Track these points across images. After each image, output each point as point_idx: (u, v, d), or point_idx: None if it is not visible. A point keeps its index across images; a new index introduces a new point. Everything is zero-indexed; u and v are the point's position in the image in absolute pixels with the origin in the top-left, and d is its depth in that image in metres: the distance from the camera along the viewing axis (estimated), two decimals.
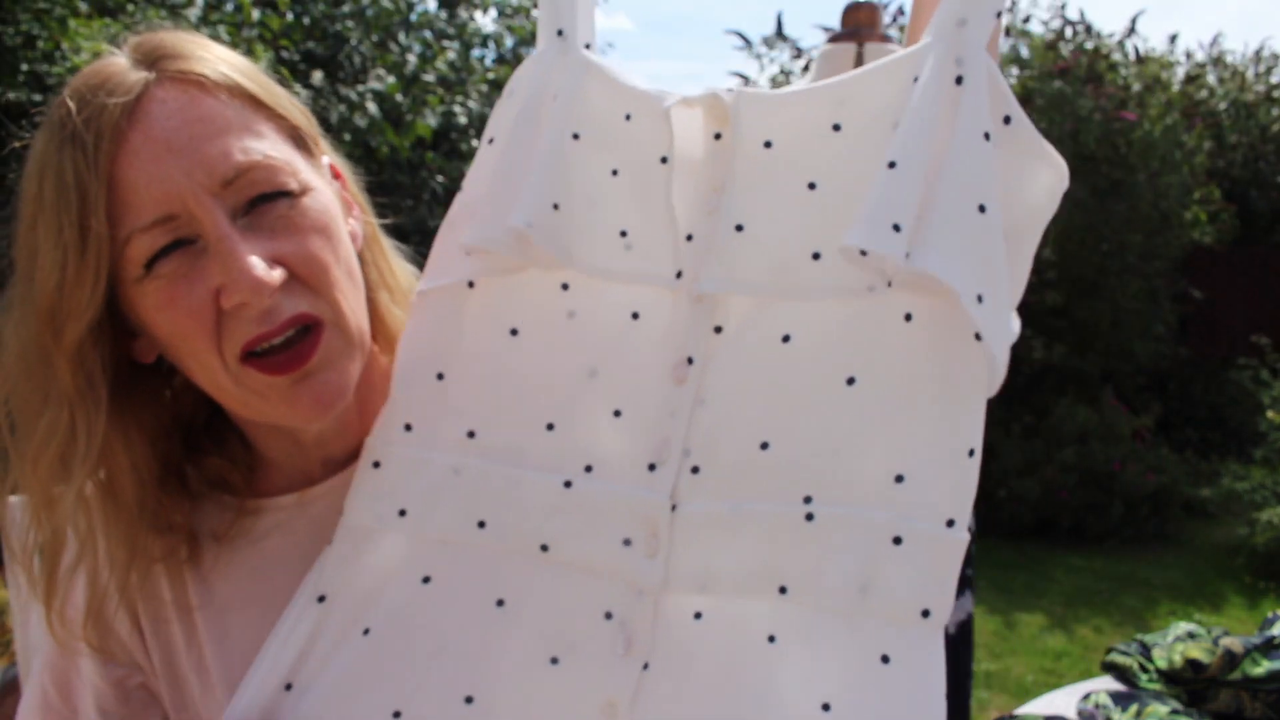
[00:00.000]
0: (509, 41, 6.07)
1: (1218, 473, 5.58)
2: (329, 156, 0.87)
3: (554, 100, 0.79)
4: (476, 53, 6.27)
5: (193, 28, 3.57)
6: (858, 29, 2.26)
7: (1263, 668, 1.42)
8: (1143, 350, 5.95)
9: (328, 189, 0.83)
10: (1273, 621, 1.54)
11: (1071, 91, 5.61)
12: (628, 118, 0.78)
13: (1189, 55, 7.41)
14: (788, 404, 0.74)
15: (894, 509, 0.70)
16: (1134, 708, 1.37)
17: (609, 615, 0.74)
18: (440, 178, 5.59)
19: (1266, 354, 5.88)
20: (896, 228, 0.67)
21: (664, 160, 0.77)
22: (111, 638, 0.88)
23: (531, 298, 0.80)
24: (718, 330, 0.76)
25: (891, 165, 0.68)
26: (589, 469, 0.77)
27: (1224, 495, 5.22)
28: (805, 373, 0.74)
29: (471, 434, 0.79)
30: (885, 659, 0.68)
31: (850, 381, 0.73)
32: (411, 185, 5.53)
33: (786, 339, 0.75)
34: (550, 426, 0.79)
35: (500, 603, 0.76)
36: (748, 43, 7.27)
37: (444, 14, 6.36)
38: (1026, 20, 6.63)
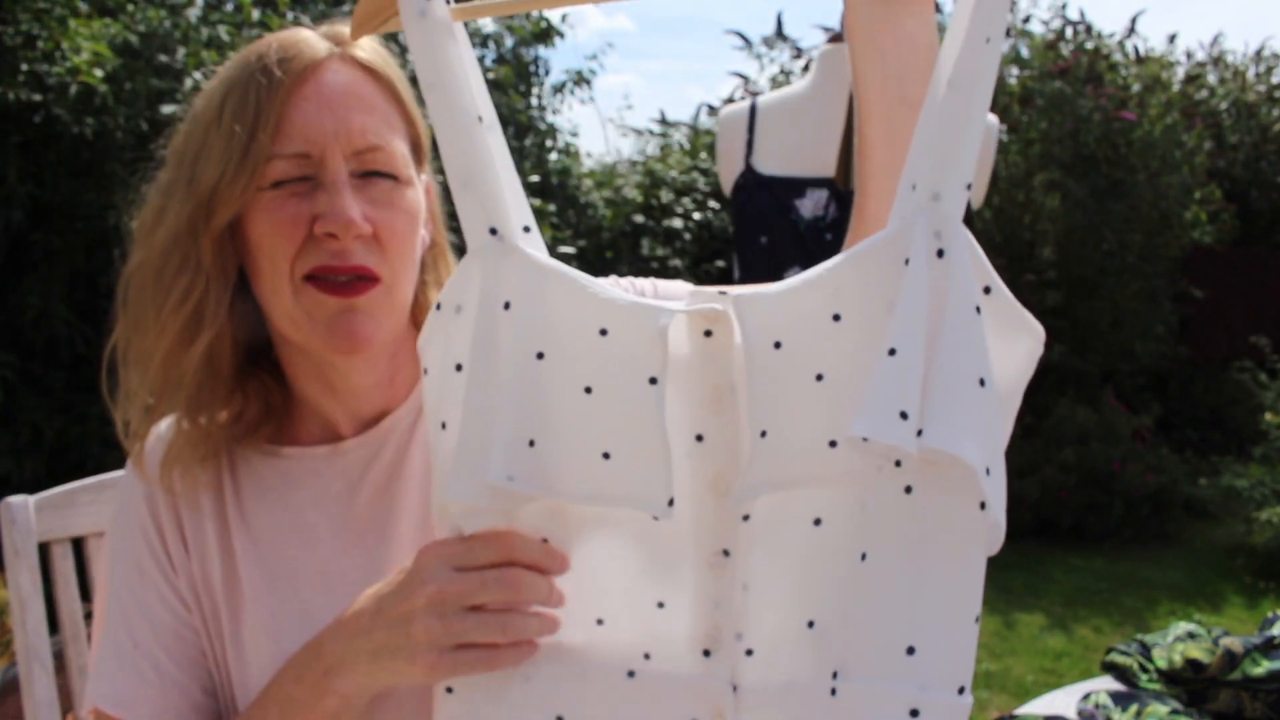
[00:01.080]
0: (509, 41, 6.07)
1: (1218, 472, 5.58)
2: (427, 176, 1.03)
3: (506, 310, 0.76)
4: (476, 53, 6.27)
5: (192, 28, 3.57)
6: None
7: (1263, 668, 1.42)
8: (1143, 350, 5.95)
9: (422, 194, 0.99)
10: (1273, 621, 1.54)
11: (1071, 91, 5.61)
12: (603, 332, 0.75)
13: (1189, 55, 7.41)
14: (822, 583, 0.77)
15: (909, 680, 0.73)
16: (1134, 708, 1.37)
17: None
18: (440, 178, 5.59)
19: (1266, 355, 5.88)
20: (904, 415, 0.68)
21: (653, 381, 0.74)
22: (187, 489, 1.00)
23: (553, 509, 0.80)
24: (745, 519, 0.78)
25: (892, 352, 0.70)
26: (647, 656, 0.79)
27: (1224, 495, 5.22)
28: (832, 551, 0.77)
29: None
30: None
31: (864, 557, 0.75)
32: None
33: (818, 522, 0.77)
34: (600, 622, 0.80)
35: None
36: (748, 43, 7.26)
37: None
38: (1026, 20, 6.63)
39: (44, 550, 1.39)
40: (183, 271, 0.92)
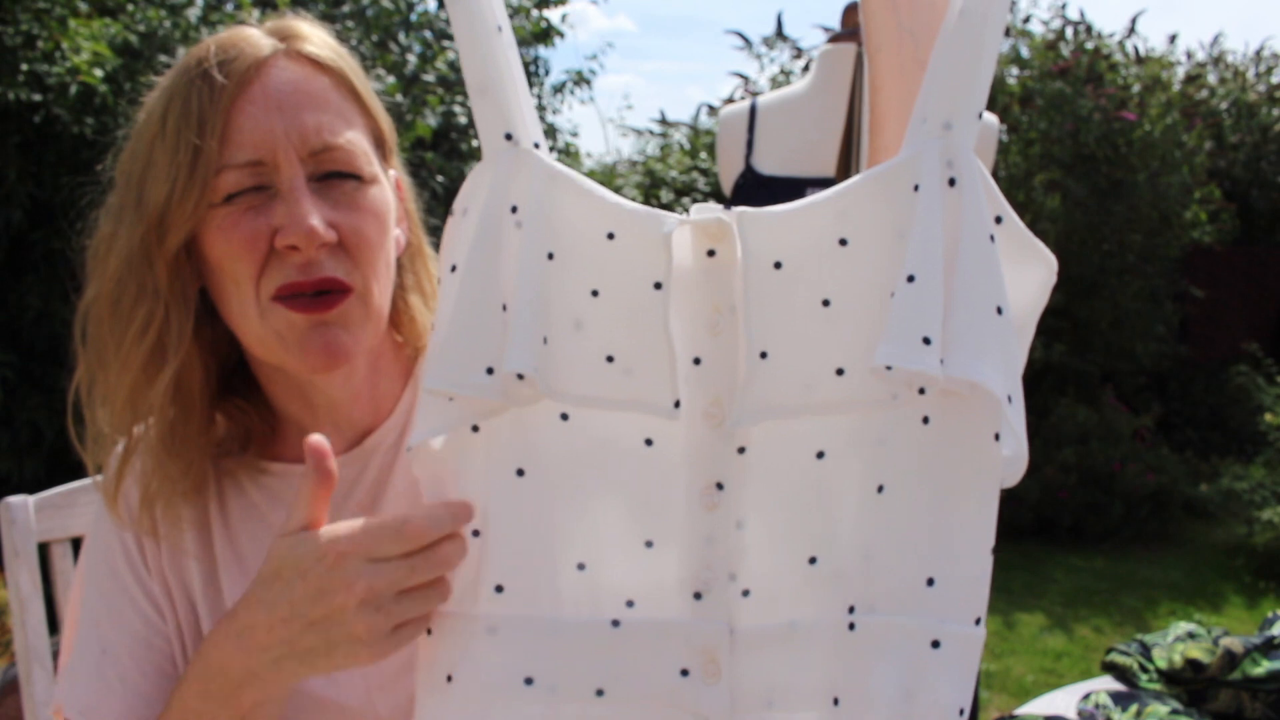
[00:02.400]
0: None
1: (1218, 473, 5.58)
2: (396, 171, 0.98)
3: (513, 214, 0.74)
4: None
5: (192, 27, 3.58)
6: (858, 29, 2.26)
7: (1263, 668, 1.42)
8: (1143, 350, 5.94)
9: (389, 192, 0.94)
10: (1273, 621, 1.54)
11: (1071, 91, 5.61)
12: (610, 236, 0.74)
13: (1189, 55, 7.41)
14: (827, 517, 0.75)
15: (929, 613, 0.71)
16: (1134, 708, 1.37)
17: None
18: (440, 178, 5.59)
19: (1261, 360, 5.88)
20: (926, 340, 0.67)
21: (658, 286, 0.73)
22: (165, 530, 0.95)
23: (533, 434, 0.76)
24: (741, 451, 0.75)
25: (910, 279, 0.68)
26: (630, 604, 0.76)
27: (1224, 495, 5.22)
28: (839, 485, 0.74)
29: (500, 588, 0.76)
30: None
31: (880, 489, 0.73)
32: (411, 185, 5.53)
33: (821, 455, 0.75)
34: (581, 566, 0.76)
35: None
36: (748, 43, 7.27)
37: (444, 14, 6.36)
38: (1026, 20, 6.63)
39: (44, 550, 1.39)
40: (140, 300, 0.87)
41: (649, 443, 0.76)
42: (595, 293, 0.74)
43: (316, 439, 0.76)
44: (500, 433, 0.76)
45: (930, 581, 0.72)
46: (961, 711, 0.71)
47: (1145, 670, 1.49)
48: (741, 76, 7.15)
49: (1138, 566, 4.91)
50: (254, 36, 0.89)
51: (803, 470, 0.75)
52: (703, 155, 6.57)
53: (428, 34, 6.14)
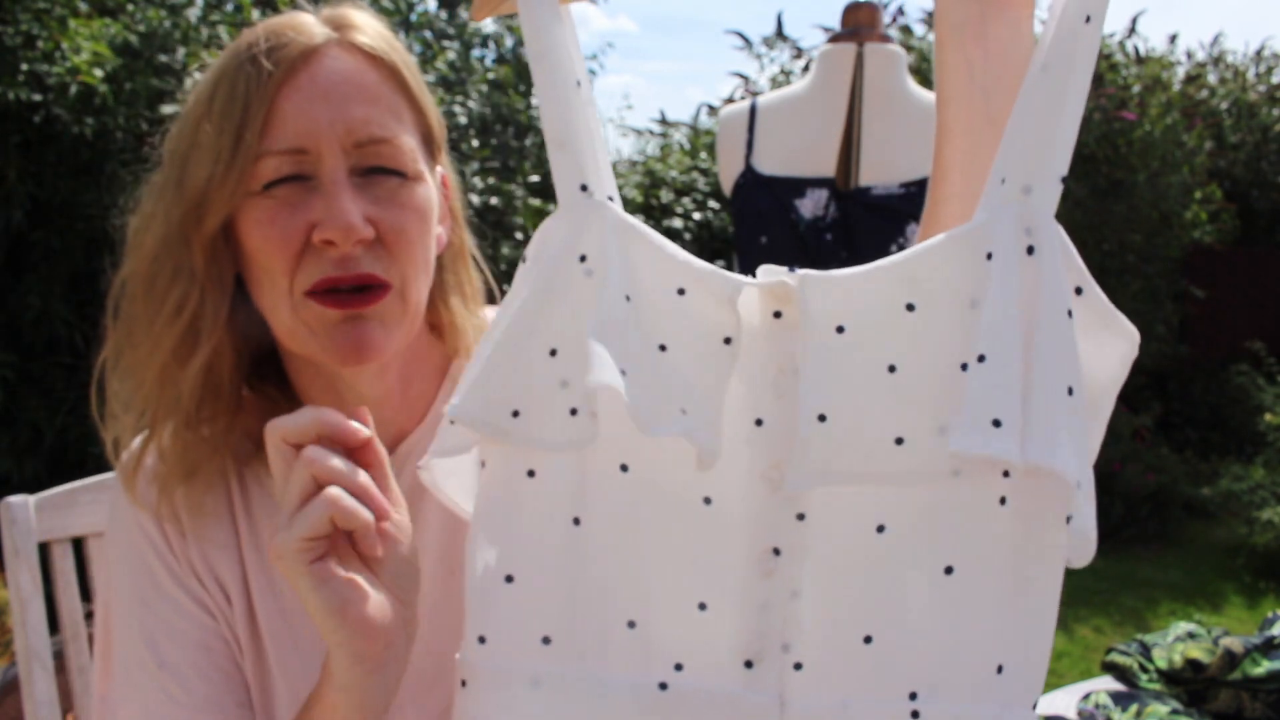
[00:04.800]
0: (509, 41, 6.06)
1: (1218, 473, 5.58)
2: (444, 169, 0.97)
3: (581, 263, 0.73)
4: (476, 53, 6.27)
5: (192, 28, 3.58)
6: (858, 29, 2.26)
7: (1263, 668, 1.42)
8: (1143, 350, 5.90)
9: (434, 190, 0.91)
10: (1273, 621, 1.54)
11: None
12: (680, 292, 0.73)
13: (1189, 55, 7.41)
14: (887, 595, 0.72)
15: (996, 701, 0.70)
16: (1134, 708, 1.37)
17: None
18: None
19: (1262, 359, 5.88)
20: (997, 423, 0.64)
21: (728, 341, 0.71)
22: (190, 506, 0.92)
23: (591, 483, 0.74)
24: (800, 518, 0.72)
25: (981, 359, 0.65)
26: (679, 668, 0.73)
27: (1224, 495, 5.22)
28: (901, 562, 0.71)
29: (547, 640, 0.73)
30: None
31: (948, 571, 0.70)
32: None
33: (881, 529, 0.72)
34: (631, 624, 0.73)
35: None
36: (748, 43, 7.27)
37: (444, 14, 6.36)
38: None
39: (44, 550, 1.39)
40: (176, 281, 0.86)
41: (708, 501, 0.73)
42: (663, 347, 0.72)
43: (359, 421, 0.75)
44: (558, 480, 0.74)
45: (1000, 669, 0.70)
46: None
47: (1145, 670, 1.49)
48: (741, 76, 7.15)
49: (1138, 566, 4.91)
50: (307, 24, 0.87)
51: (863, 543, 0.72)
52: (703, 155, 6.57)
53: (428, 34, 6.14)
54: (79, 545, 1.43)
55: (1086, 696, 1.43)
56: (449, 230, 0.98)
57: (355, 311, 0.84)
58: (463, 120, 5.64)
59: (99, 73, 3.24)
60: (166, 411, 0.89)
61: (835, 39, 2.30)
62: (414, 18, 5.99)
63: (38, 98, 3.25)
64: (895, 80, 2.22)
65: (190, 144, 0.85)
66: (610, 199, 0.75)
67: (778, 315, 0.73)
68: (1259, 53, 7.49)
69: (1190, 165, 5.96)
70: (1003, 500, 0.70)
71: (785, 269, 0.72)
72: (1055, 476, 0.65)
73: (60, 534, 1.40)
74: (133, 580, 0.92)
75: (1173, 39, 8.14)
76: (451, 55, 5.65)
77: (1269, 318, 6.49)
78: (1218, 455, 6.02)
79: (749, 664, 0.72)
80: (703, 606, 0.73)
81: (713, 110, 7.26)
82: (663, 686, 0.72)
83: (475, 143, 4.79)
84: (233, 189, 0.83)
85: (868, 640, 0.71)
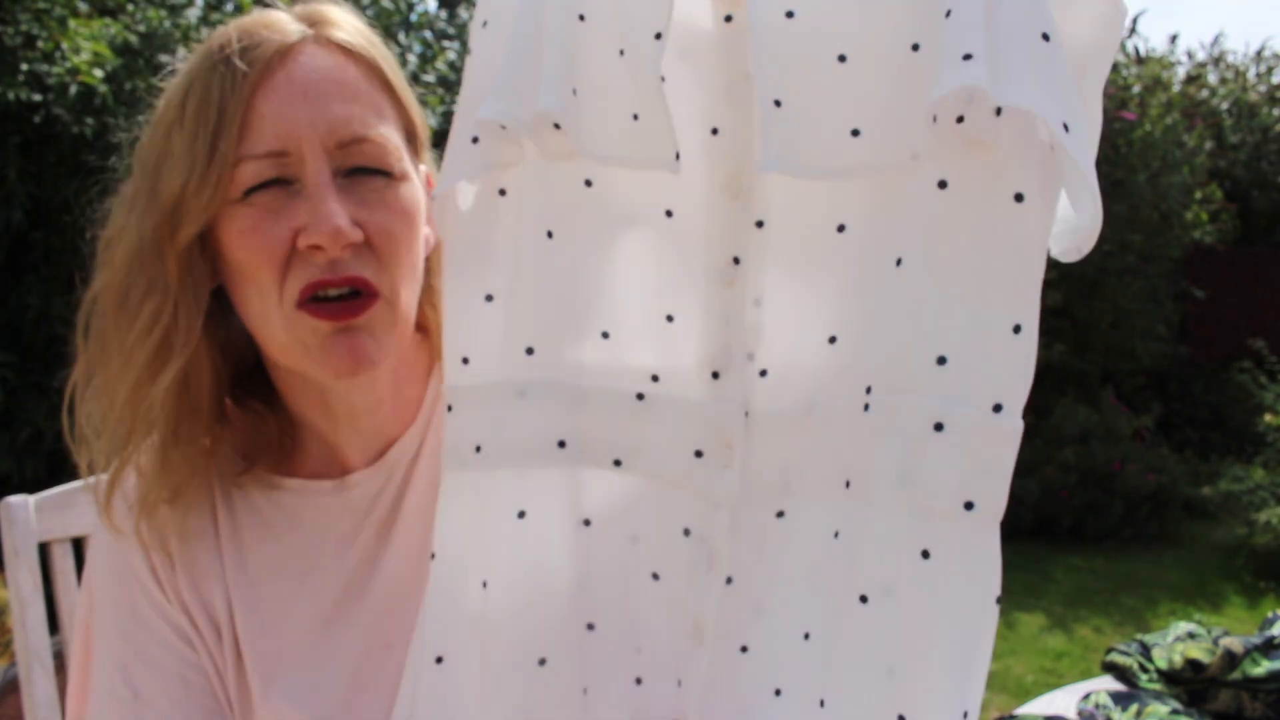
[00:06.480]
0: None
1: (1218, 473, 5.58)
2: (427, 167, 0.93)
3: None
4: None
5: (192, 28, 3.58)
6: None
7: (1263, 668, 1.42)
8: (1143, 350, 5.95)
9: (420, 189, 0.88)
10: (1273, 621, 1.54)
11: None
12: None
13: (1190, 55, 7.42)
14: (846, 294, 0.70)
15: (938, 394, 0.64)
16: (1134, 708, 1.37)
17: (687, 532, 0.73)
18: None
19: (1264, 357, 5.88)
20: (967, 57, 0.59)
21: (658, 36, 0.67)
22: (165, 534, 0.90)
23: (560, 198, 0.74)
24: (759, 224, 0.71)
25: (948, 14, 0.61)
26: (655, 379, 0.74)
27: (1224, 495, 5.22)
28: (860, 260, 0.69)
29: (530, 350, 0.74)
30: (925, 554, 0.64)
31: (898, 262, 0.67)
32: None
33: (842, 228, 0.69)
34: (605, 335, 0.74)
35: (586, 522, 0.75)
36: None
37: (444, 14, 6.36)
38: None
39: (44, 550, 1.38)
40: (149, 295, 0.82)
41: (669, 214, 0.73)
42: (622, 52, 0.69)
43: None
44: (529, 195, 0.74)
45: (941, 360, 0.64)
46: (970, 506, 0.63)
47: (1145, 670, 1.49)
48: None
49: (1138, 566, 4.91)
50: (281, 21, 0.84)
51: (823, 245, 0.70)
52: None
53: (428, 34, 6.14)
54: (79, 545, 1.43)
55: (1086, 696, 1.43)
56: (435, 230, 0.94)
57: (346, 323, 0.81)
58: None
59: (99, 73, 3.24)
60: (143, 431, 0.86)
61: None
62: (414, 18, 5.99)
63: (38, 98, 3.25)
64: None
65: (162, 151, 0.82)
66: None
67: (729, 19, 0.71)
68: (1259, 53, 7.49)
69: (1190, 165, 5.97)
70: (942, 184, 0.65)
71: None
72: (1028, 116, 0.61)
73: (60, 534, 1.40)
74: (114, 608, 0.90)
75: (1173, 39, 8.17)
76: (451, 55, 5.65)
77: (1269, 318, 6.49)
78: (1218, 455, 6.03)
79: (715, 375, 0.73)
80: (670, 319, 0.74)
81: None
82: (639, 397, 0.74)
83: None
84: (209, 197, 0.79)
85: (832, 340, 0.71)
